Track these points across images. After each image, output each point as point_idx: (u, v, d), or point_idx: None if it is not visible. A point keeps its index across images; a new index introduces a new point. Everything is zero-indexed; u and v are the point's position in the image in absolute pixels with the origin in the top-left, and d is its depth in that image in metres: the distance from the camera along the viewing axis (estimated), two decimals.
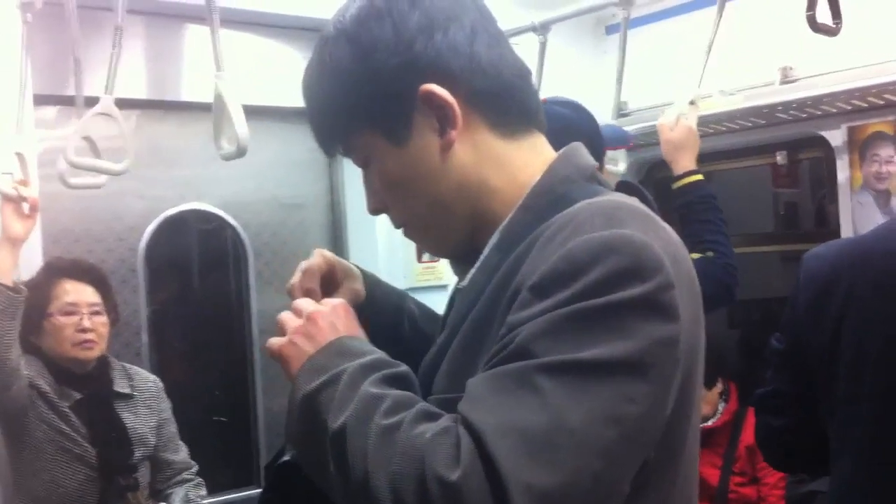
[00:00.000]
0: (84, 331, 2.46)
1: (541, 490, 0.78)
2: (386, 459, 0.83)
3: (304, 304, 1.04)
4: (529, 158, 1.05)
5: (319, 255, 1.16)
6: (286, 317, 1.03)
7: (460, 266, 1.11)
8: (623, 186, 1.06)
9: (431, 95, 1.00)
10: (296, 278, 1.13)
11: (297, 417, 0.94)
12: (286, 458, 1.11)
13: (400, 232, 1.11)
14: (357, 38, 1.02)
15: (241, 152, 2.02)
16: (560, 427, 0.80)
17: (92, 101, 2.34)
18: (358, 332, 1.03)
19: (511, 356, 0.85)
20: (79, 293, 2.49)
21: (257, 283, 3.38)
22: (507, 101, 1.05)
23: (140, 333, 3.07)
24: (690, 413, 0.96)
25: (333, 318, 1.02)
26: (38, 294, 2.45)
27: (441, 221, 1.06)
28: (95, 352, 2.50)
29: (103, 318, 2.53)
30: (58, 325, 2.45)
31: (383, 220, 1.10)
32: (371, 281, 1.21)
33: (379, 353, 0.97)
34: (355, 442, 0.86)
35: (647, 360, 0.85)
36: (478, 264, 1.04)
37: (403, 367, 0.96)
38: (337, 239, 3.56)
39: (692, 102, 2.47)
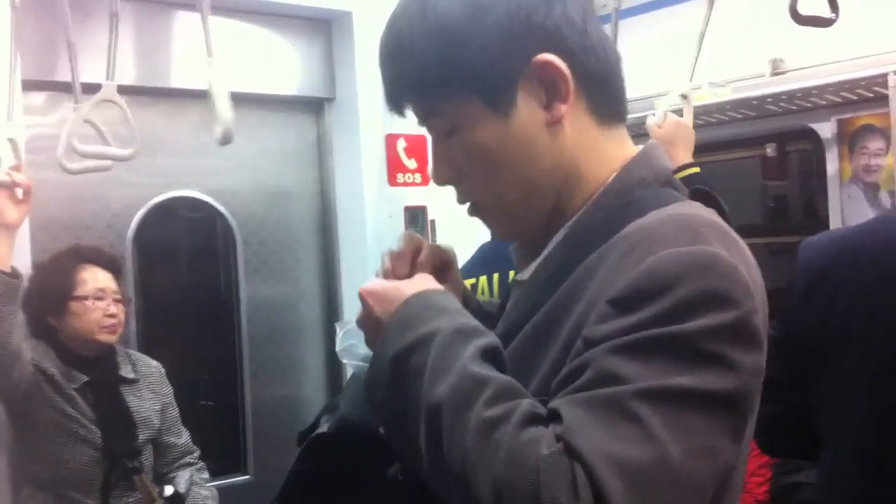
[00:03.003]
0: (112, 315, 2.55)
1: None
2: (490, 460, 0.78)
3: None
4: (615, 152, 1.00)
5: (409, 239, 1.08)
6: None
7: (521, 253, 1.07)
8: (700, 195, 1.02)
9: (547, 66, 0.94)
10: (386, 264, 1.06)
11: (386, 379, 0.89)
12: (322, 429, 1.07)
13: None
14: None
15: (225, 139, 2.01)
16: (664, 462, 0.77)
17: (86, 87, 2.33)
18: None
19: (600, 378, 0.80)
20: (106, 280, 2.58)
21: (245, 271, 3.38)
22: (609, 86, 1.00)
23: (128, 320, 3.06)
24: (747, 441, 0.92)
25: (416, 281, 0.98)
26: (62, 277, 2.52)
27: (524, 202, 0.99)
28: (117, 335, 2.59)
29: (122, 306, 2.62)
30: (89, 308, 2.51)
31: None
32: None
33: (467, 316, 0.92)
34: (452, 428, 0.81)
35: (740, 392, 0.82)
36: (541, 258, 0.99)
37: (494, 338, 0.90)
38: (325, 228, 3.54)
39: (684, 96, 2.47)
